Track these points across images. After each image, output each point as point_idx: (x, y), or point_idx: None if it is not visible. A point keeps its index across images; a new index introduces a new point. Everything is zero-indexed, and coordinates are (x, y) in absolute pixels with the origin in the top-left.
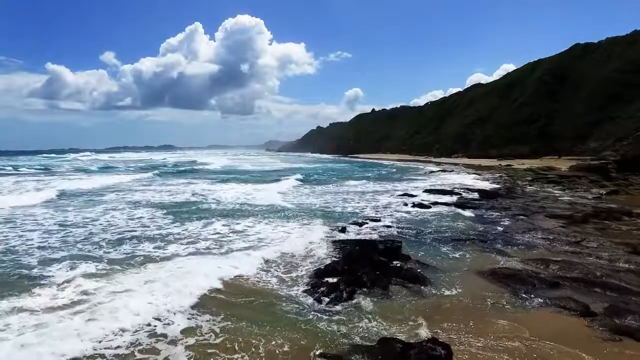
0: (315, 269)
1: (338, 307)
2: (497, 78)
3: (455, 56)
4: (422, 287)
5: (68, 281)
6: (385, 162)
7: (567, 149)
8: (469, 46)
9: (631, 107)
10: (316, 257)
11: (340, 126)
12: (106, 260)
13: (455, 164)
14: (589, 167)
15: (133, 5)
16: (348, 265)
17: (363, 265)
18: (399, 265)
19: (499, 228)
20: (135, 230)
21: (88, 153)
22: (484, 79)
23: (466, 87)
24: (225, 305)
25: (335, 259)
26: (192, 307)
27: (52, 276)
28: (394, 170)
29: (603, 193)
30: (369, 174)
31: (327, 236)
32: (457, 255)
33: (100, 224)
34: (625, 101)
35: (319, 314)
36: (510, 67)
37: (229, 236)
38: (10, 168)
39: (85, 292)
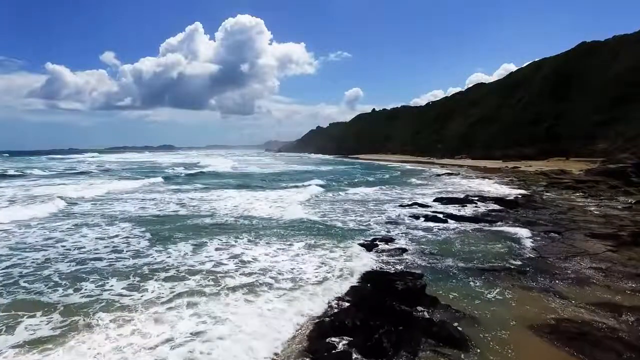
0: (317, 319)
1: None
2: (499, 78)
3: (455, 56)
4: (463, 356)
5: None
6: (387, 164)
7: (575, 150)
8: (469, 46)
9: None
10: (320, 302)
11: (341, 126)
12: (60, 309)
13: (460, 166)
14: (606, 171)
15: (133, 5)
16: (360, 318)
17: (379, 315)
18: (426, 315)
19: (534, 251)
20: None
21: (93, 154)
22: (485, 78)
23: (467, 87)
24: None
25: (343, 301)
26: None
27: None
28: (398, 173)
29: (632, 202)
30: (372, 178)
31: (330, 267)
32: (495, 295)
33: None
34: (633, 101)
35: None
36: (511, 67)
37: (236, 268)
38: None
39: None
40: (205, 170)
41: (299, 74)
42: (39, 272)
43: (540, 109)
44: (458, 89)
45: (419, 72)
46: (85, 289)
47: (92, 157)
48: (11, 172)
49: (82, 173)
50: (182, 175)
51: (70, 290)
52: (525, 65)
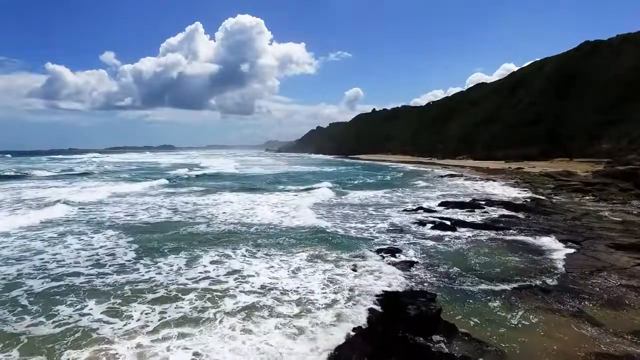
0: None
1: None
2: (499, 78)
3: (455, 56)
4: None
5: None
6: (388, 165)
7: (578, 150)
8: (469, 46)
9: None
10: (330, 335)
11: (341, 126)
12: (24, 342)
13: (462, 167)
14: (615, 172)
15: (133, 5)
16: (368, 354)
17: (390, 349)
18: (445, 348)
19: (555, 265)
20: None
21: (94, 154)
22: (485, 78)
23: (467, 86)
24: None
25: (351, 330)
26: None
27: None
28: (400, 175)
29: None
30: (374, 180)
31: (338, 286)
32: (520, 320)
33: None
34: (636, 100)
35: None
36: (511, 67)
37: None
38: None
39: None
40: (208, 172)
41: (299, 74)
42: (6, 293)
43: (542, 108)
44: (458, 89)
45: (419, 72)
46: (58, 316)
47: (93, 157)
48: (7, 173)
49: (80, 175)
50: (185, 177)
51: (41, 317)
52: (527, 64)
